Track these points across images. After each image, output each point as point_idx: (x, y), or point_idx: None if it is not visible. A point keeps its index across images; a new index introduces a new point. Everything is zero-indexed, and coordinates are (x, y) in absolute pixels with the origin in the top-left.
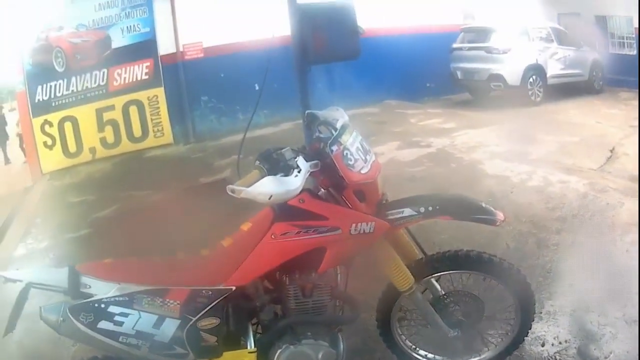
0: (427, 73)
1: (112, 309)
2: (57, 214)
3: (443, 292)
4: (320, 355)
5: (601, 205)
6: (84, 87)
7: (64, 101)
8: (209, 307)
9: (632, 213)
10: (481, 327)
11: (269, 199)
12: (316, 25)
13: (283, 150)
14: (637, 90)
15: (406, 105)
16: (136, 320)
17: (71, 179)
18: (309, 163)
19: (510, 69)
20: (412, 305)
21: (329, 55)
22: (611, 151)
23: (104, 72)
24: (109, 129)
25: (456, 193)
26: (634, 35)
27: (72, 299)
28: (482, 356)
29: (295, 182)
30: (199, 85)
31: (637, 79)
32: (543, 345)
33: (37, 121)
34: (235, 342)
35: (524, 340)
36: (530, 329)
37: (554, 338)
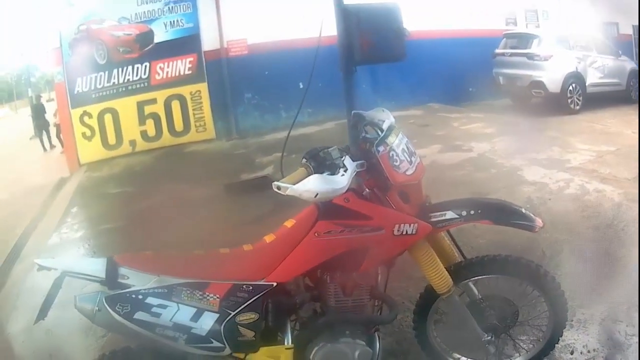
0: (469, 77)
1: (150, 300)
2: (95, 205)
3: (480, 296)
4: (356, 354)
5: (634, 215)
6: (126, 80)
7: (104, 93)
8: (249, 302)
9: None
10: (514, 333)
11: (315, 197)
12: (362, 26)
13: (330, 149)
14: None
15: (449, 108)
16: (174, 313)
17: (110, 170)
18: (355, 163)
19: (551, 76)
20: (448, 308)
21: (374, 56)
22: None
23: (146, 66)
24: (150, 122)
25: (497, 198)
26: None
27: (109, 289)
28: None
29: (341, 181)
30: (243, 82)
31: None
32: (572, 353)
33: (76, 112)
34: (272, 337)
35: (554, 347)
36: (561, 336)
37: (583, 346)
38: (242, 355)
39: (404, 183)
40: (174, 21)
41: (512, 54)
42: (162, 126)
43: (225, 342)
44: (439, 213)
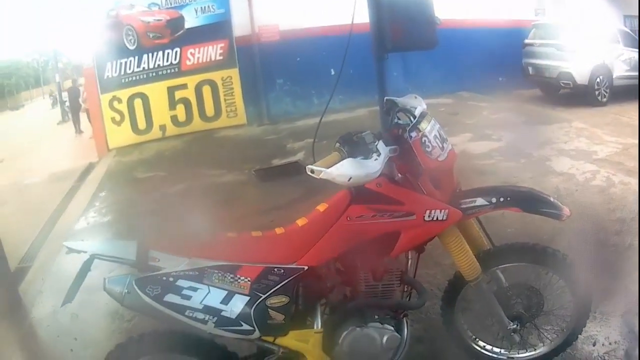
0: (499, 67)
1: (181, 282)
2: (124, 189)
3: (507, 284)
4: (385, 339)
5: None
6: (156, 65)
7: (134, 78)
8: (280, 285)
9: None
10: (539, 322)
11: (348, 180)
12: (394, 14)
13: (363, 134)
14: None
15: (479, 97)
16: (205, 295)
17: (140, 155)
18: (388, 148)
19: (579, 68)
20: (475, 295)
21: (406, 44)
22: None
23: (176, 51)
24: (180, 108)
25: (525, 186)
26: None
27: (139, 272)
28: (537, 351)
29: (374, 165)
30: (274, 67)
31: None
32: (594, 344)
33: (106, 97)
34: (301, 321)
35: (577, 338)
36: (584, 327)
37: (605, 338)
38: (271, 339)
39: (435, 169)
40: (204, 7)
41: (541, 45)
42: (192, 111)
43: (255, 325)
44: (469, 200)
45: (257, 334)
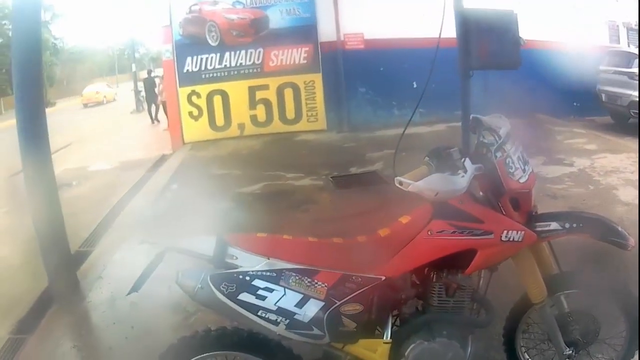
0: (575, 91)
1: (257, 282)
2: (198, 184)
3: (568, 310)
4: (450, 355)
5: None
6: (238, 64)
7: (215, 75)
8: (356, 293)
9: None
10: (592, 350)
11: (435, 195)
12: (481, 32)
13: (452, 150)
14: None
15: (554, 121)
16: (280, 297)
17: (216, 151)
18: (475, 166)
19: None
20: (537, 319)
21: (491, 62)
22: None
23: (260, 52)
24: (260, 108)
25: (596, 213)
26: None
27: (215, 268)
28: None
29: (461, 182)
30: (358, 75)
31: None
32: None
33: (184, 91)
34: (371, 330)
35: None
36: (633, 357)
37: None
38: (339, 345)
39: (517, 190)
40: (290, 9)
41: (614, 72)
42: (273, 112)
43: (326, 331)
44: (544, 223)
45: (327, 339)
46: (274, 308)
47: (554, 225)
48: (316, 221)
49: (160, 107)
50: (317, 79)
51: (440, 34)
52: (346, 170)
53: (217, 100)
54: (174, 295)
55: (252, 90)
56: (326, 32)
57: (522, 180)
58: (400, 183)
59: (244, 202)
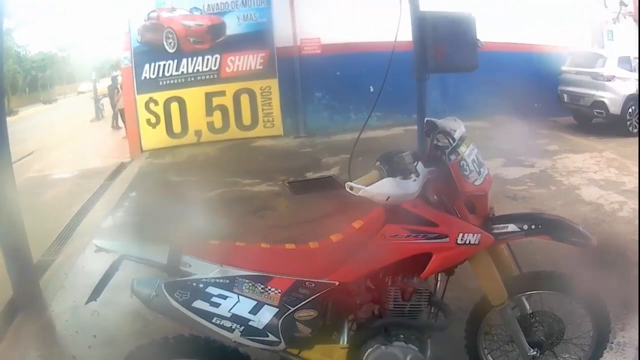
0: (535, 93)
1: (211, 289)
2: (155, 191)
3: (530, 311)
4: (408, 359)
5: None
6: (195, 70)
7: (172, 81)
8: (310, 299)
9: None
10: (557, 350)
11: (386, 200)
12: (438, 35)
13: (404, 154)
14: None
15: (514, 122)
16: (234, 304)
17: (173, 158)
18: (427, 169)
19: (613, 97)
20: (499, 321)
21: (448, 65)
22: None
23: (216, 58)
24: (217, 114)
25: (555, 214)
26: None
27: (169, 276)
28: None
29: (413, 186)
30: (314, 80)
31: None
32: None
33: (142, 98)
34: (327, 336)
35: None
36: (601, 357)
37: None
38: (295, 351)
39: (471, 193)
40: (247, 15)
41: (577, 72)
42: (229, 119)
43: (282, 337)
44: (501, 225)
45: (282, 345)
46: (229, 315)
47: (511, 227)
48: (272, 227)
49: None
50: (274, 84)
51: (396, 37)
52: (302, 175)
53: (175, 107)
54: (134, 303)
55: (208, 97)
56: (283, 37)
57: (477, 183)
58: (351, 188)
59: (200, 209)
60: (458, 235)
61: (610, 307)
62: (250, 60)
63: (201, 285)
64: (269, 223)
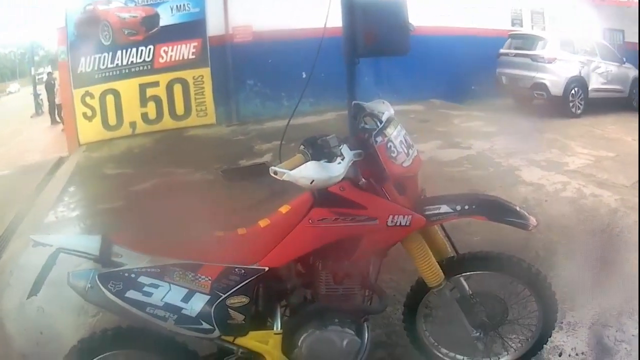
0: (472, 76)
1: (142, 279)
2: (92, 185)
3: (470, 292)
4: (345, 343)
5: (630, 222)
6: (129, 62)
7: (107, 74)
8: (240, 285)
9: None
10: (503, 331)
11: (311, 183)
12: (367, 19)
13: (328, 137)
14: None
15: (450, 105)
16: (165, 293)
17: (109, 151)
18: (353, 152)
19: (554, 79)
20: (438, 302)
21: (378, 49)
22: None
23: (150, 49)
24: (151, 105)
25: (492, 195)
26: None
27: (102, 267)
28: (501, 359)
29: (337, 169)
30: (246, 68)
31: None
32: (560, 355)
33: (78, 92)
34: (261, 322)
35: (542, 347)
36: (550, 337)
37: (572, 349)
38: (230, 339)
39: (400, 175)
40: (180, 5)
41: (516, 55)
42: (163, 109)
43: (215, 325)
44: (433, 207)
45: (216, 333)
46: (161, 304)
47: (444, 208)
48: (207, 215)
49: (57, 109)
50: (206, 73)
51: (325, 23)
52: (236, 163)
53: (110, 99)
54: (77, 297)
55: (142, 88)
56: (215, 26)
57: (405, 164)
58: (275, 172)
59: (135, 200)
60: (388, 217)
61: (557, 287)
62: (183, 50)
63: (133, 275)
64: (204, 211)
